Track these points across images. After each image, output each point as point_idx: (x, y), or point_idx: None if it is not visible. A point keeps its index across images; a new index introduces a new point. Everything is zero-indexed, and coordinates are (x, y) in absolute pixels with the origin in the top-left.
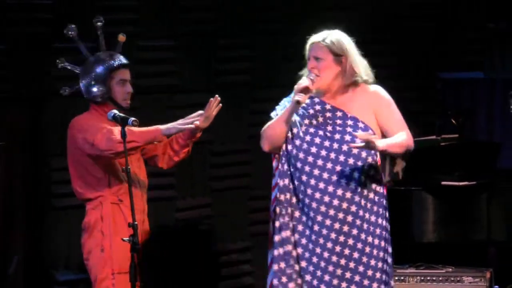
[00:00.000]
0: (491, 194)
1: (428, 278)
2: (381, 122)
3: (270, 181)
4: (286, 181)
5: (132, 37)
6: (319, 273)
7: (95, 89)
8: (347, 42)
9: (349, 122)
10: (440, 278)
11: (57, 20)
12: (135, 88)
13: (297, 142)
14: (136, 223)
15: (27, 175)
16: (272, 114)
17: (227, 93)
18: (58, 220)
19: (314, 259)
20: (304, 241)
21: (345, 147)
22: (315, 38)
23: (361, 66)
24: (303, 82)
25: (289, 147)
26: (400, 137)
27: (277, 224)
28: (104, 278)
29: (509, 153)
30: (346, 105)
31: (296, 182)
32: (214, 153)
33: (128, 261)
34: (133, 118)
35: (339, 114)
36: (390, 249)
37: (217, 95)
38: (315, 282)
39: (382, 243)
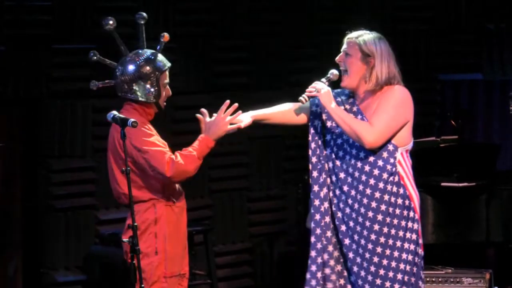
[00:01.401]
0: (490, 195)
1: (428, 279)
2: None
3: (269, 183)
4: (314, 173)
5: (130, 38)
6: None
7: (149, 89)
8: (380, 46)
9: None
10: (440, 279)
11: (56, 21)
12: None
13: (328, 144)
14: (136, 224)
15: (26, 176)
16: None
17: (225, 95)
18: (57, 221)
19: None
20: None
21: (361, 154)
22: (351, 34)
23: (387, 72)
24: (318, 89)
25: (324, 144)
26: (357, 121)
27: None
28: (156, 281)
29: (507, 154)
30: (368, 109)
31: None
32: (213, 155)
33: (181, 264)
34: (132, 120)
35: (359, 118)
36: (418, 249)
37: (228, 101)
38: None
39: (398, 243)
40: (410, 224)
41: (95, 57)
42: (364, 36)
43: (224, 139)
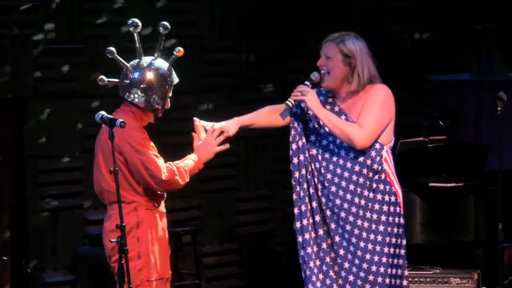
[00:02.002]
0: (478, 195)
1: (416, 279)
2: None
3: (257, 183)
4: (296, 174)
5: (119, 39)
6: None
7: (156, 100)
8: (358, 46)
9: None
10: (428, 280)
11: (44, 22)
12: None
13: (314, 145)
14: (124, 224)
15: (14, 177)
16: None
17: (213, 95)
18: (45, 221)
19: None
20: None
21: (351, 154)
22: (329, 37)
23: (368, 71)
24: (304, 93)
25: (308, 145)
26: (347, 124)
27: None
28: (139, 285)
29: (496, 155)
30: (352, 110)
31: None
32: None
33: (165, 267)
34: (120, 120)
35: (343, 118)
36: (403, 242)
37: (213, 124)
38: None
39: (387, 239)
40: (397, 220)
41: (110, 55)
42: (342, 37)
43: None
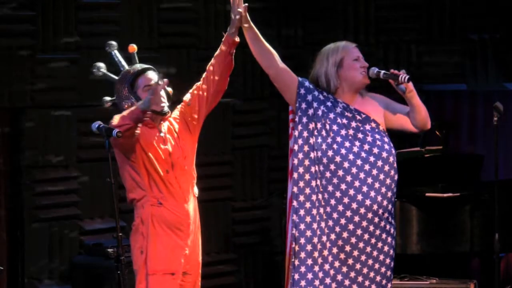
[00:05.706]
0: (475, 205)
1: None
2: (395, 110)
3: (253, 193)
4: (300, 169)
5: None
6: (345, 269)
7: (126, 106)
8: None
9: (373, 125)
10: None
11: (40, 31)
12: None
13: (324, 146)
14: (120, 234)
15: (11, 186)
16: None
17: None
18: (41, 231)
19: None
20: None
21: (375, 150)
22: (352, 42)
23: None
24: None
25: (315, 151)
26: None
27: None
28: (140, 280)
29: (491, 165)
30: (371, 110)
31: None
32: (197, 165)
33: (166, 263)
34: (117, 130)
35: (363, 116)
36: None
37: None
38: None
39: (393, 242)
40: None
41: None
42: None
43: (208, 151)
